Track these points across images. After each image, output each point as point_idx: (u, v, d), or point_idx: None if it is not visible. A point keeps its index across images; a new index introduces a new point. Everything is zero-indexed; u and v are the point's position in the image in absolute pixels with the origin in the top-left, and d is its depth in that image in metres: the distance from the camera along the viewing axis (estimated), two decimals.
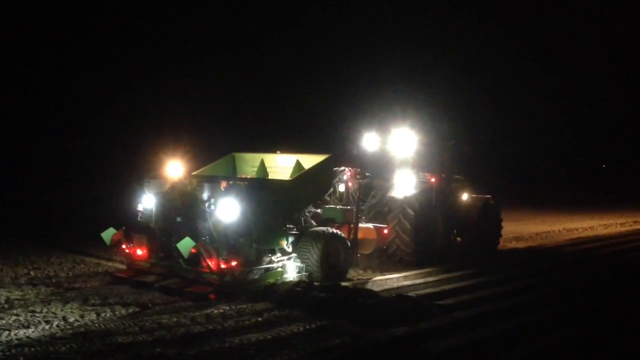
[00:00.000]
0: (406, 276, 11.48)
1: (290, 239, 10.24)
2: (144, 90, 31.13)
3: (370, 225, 12.23)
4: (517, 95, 43.92)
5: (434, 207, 12.84)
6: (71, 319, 8.04)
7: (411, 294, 9.71)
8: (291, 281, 10.01)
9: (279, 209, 10.03)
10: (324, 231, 10.49)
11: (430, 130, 13.92)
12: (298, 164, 11.25)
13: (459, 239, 14.07)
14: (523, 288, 10.54)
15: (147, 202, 10.74)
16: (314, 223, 11.19)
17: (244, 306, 8.88)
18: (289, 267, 10.07)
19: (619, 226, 21.09)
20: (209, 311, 8.54)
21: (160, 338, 7.30)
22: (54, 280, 10.50)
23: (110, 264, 12.18)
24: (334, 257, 10.50)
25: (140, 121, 28.62)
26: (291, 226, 10.42)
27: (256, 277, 9.61)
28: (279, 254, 10.00)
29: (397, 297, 9.16)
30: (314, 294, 9.15)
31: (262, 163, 11.86)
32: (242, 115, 33.51)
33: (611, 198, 32.43)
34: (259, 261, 9.63)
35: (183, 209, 10.16)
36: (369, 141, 13.81)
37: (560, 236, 18.25)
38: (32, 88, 30.82)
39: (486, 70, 42.42)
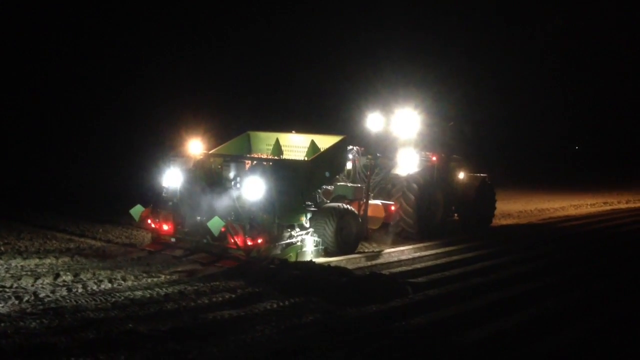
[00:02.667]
0: (414, 248, 12.13)
1: (309, 215, 10.78)
2: (163, 71, 31.68)
3: (378, 202, 12.65)
4: (517, 78, 44.34)
5: (434, 185, 13.52)
6: (42, 295, 7.96)
7: (384, 272, 9.81)
8: (265, 259, 10.06)
9: (300, 188, 10.58)
10: (338, 207, 11.10)
11: (433, 110, 14.44)
12: (313, 144, 11.76)
13: (456, 215, 14.74)
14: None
15: (172, 179, 11.04)
16: (325, 200, 11.69)
17: (218, 283, 8.88)
18: (308, 241, 10.58)
19: (589, 207, 21.46)
20: (182, 288, 8.52)
21: (132, 314, 7.27)
22: (24, 256, 10.37)
23: (82, 239, 12.07)
24: (346, 231, 11.09)
25: (160, 100, 29.04)
26: (309, 203, 10.96)
27: (278, 251, 10.05)
28: (297, 229, 10.49)
29: (370, 275, 9.23)
30: (288, 271, 9.19)
31: (277, 142, 12.38)
32: (254, 95, 33.80)
33: (584, 179, 32.90)
34: (280, 237, 10.11)
35: (208, 187, 10.51)
36: (374, 121, 14.24)
37: (532, 216, 18.51)
38: (54, 69, 30.80)
39: (489, 53, 42.87)
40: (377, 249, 11.93)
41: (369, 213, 11.99)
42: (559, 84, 47.58)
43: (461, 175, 14.68)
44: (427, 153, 13.95)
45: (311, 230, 10.74)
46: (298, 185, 10.51)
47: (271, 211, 9.85)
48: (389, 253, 11.75)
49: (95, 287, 8.48)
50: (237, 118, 24.50)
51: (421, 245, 12.58)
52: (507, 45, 44.03)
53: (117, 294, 8.11)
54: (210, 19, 36.58)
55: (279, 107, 31.09)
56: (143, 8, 33.63)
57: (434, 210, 13.56)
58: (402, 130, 13.82)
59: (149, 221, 11.02)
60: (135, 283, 8.83)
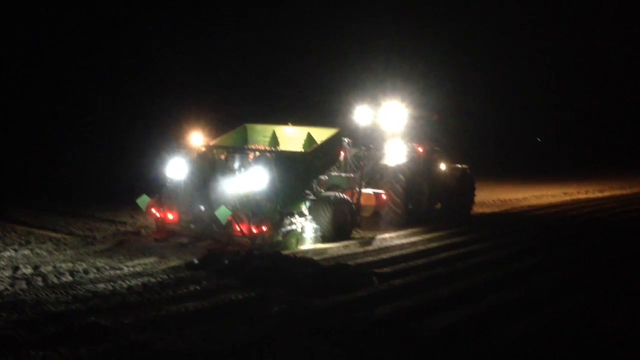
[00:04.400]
0: (401, 235, 12.63)
1: (307, 204, 11.29)
2: (164, 63, 31.56)
3: (370, 190, 13.17)
4: (502, 73, 45.12)
5: (420, 175, 14.15)
6: (0, 288, 7.78)
7: (350, 262, 9.86)
8: (232, 250, 10.06)
9: (300, 177, 11.17)
10: (335, 196, 11.71)
11: (419, 103, 15.11)
12: (309, 136, 12.44)
13: (438, 204, 15.34)
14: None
15: (176, 170, 11.40)
16: (320, 189, 12.11)
17: (183, 275, 8.81)
18: (307, 227, 11.05)
19: (550, 197, 21.90)
20: (146, 280, 8.42)
21: (94, 307, 7.16)
22: None
23: (43, 231, 11.82)
24: (342, 218, 11.63)
25: (161, 94, 29.39)
26: (308, 192, 11.50)
27: (280, 238, 10.49)
28: (297, 217, 10.92)
29: (336, 265, 9.27)
30: (254, 262, 9.17)
31: (274, 134, 13.00)
32: (247, 89, 34.04)
33: (545, 170, 33.51)
34: (282, 224, 10.54)
35: (213, 177, 10.92)
36: (362, 114, 14.74)
37: (495, 206, 18.81)
38: (56, 63, 30.35)
39: (475, 47, 43.52)
40: (369, 235, 12.32)
41: (362, 201, 12.55)
42: (538, 78, 48.56)
43: (443, 166, 15.27)
44: (414, 144, 14.55)
45: (310, 217, 11.19)
46: (298, 175, 11.09)
47: (274, 200, 10.33)
48: (381, 239, 12.13)
49: (55, 280, 8.32)
50: (233, 111, 24.73)
51: (408, 232, 13.05)
52: (492, 41, 44.84)
53: (79, 287, 7.97)
54: (206, 14, 36.67)
55: (271, 100, 31.35)
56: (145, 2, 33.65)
57: (419, 199, 14.15)
58: (389, 123, 14.35)
59: (154, 210, 11.32)
60: (98, 275, 8.69)
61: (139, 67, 31.93)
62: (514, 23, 47.95)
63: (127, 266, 9.31)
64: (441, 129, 15.69)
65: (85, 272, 8.85)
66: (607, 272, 10.08)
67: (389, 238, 12.30)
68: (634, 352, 6.48)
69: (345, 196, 12.01)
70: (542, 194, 22.68)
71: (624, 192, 24.67)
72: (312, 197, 11.49)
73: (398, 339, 6.52)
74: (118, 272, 8.93)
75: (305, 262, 9.41)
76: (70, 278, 8.48)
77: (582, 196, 22.61)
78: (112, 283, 8.21)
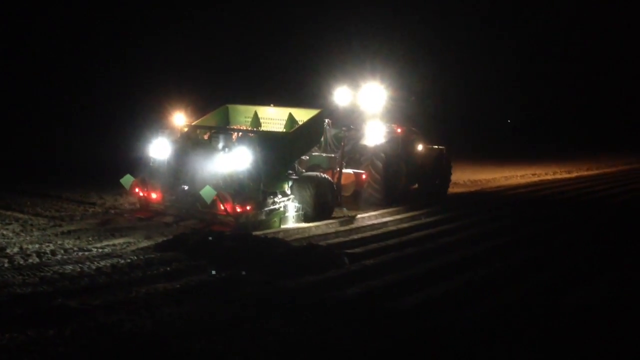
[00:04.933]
0: (381, 214, 12.84)
1: (290, 183, 11.38)
2: (142, 44, 32.08)
3: (350, 170, 13.36)
4: (482, 54, 45.42)
5: (399, 156, 14.33)
6: None
7: (321, 243, 9.88)
8: (202, 231, 10.00)
9: (283, 157, 11.27)
10: (316, 176, 11.85)
11: (398, 85, 15.20)
12: (291, 117, 12.45)
13: (415, 184, 15.61)
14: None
15: (159, 150, 11.42)
16: (301, 169, 12.33)
17: (153, 256, 8.73)
18: (289, 207, 11.17)
19: (519, 178, 22.18)
20: (115, 261, 8.33)
21: (62, 289, 7.06)
22: None
23: (7, 212, 11.59)
24: (323, 198, 11.72)
25: (141, 74, 29.32)
26: (290, 172, 11.61)
27: (263, 217, 10.58)
28: (280, 196, 11.01)
29: (307, 246, 9.27)
30: (225, 243, 9.11)
31: (256, 115, 13.01)
32: (226, 70, 33.90)
33: (514, 151, 33.89)
34: (265, 203, 10.64)
35: (197, 157, 10.91)
36: (341, 95, 14.86)
37: (466, 187, 18.99)
38: (40, 46, 30.68)
39: (455, 29, 43.73)
40: (350, 214, 12.36)
41: (342, 181, 12.75)
42: (512, 62, 49.15)
43: (420, 147, 15.46)
44: (393, 125, 14.71)
45: (292, 197, 11.31)
46: (281, 155, 11.19)
47: (257, 179, 10.42)
48: (361, 218, 12.29)
49: (22, 262, 8.18)
50: (214, 92, 24.72)
51: (387, 211, 13.20)
52: (467, 25, 45.06)
53: (46, 269, 7.85)
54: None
55: (251, 81, 31.25)
56: None
57: (397, 179, 14.32)
58: (368, 104, 14.48)
59: (137, 190, 11.34)
60: (65, 257, 8.57)
61: (122, 49, 31.79)
62: (489, 8, 48.30)
63: (96, 247, 9.19)
64: (419, 111, 15.85)
65: (53, 253, 8.72)
66: (572, 250, 10.28)
67: (368, 217, 12.46)
68: (596, 328, 6.63)
69: (327, 176, 12.13)
70: (511, 174, 22.93)
71: (590, 172, 25.11)
72: (294, 176, 11.59)
73: (369, 317, 6.57)
74: (86, 253, 8.81)
75: (277, 243, 9.38)
76: (37, 259, 8.34)
77: (550, 177, 22.95)
78: (80, 264, 8.10)
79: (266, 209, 10.68)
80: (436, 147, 16.14)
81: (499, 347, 6.06)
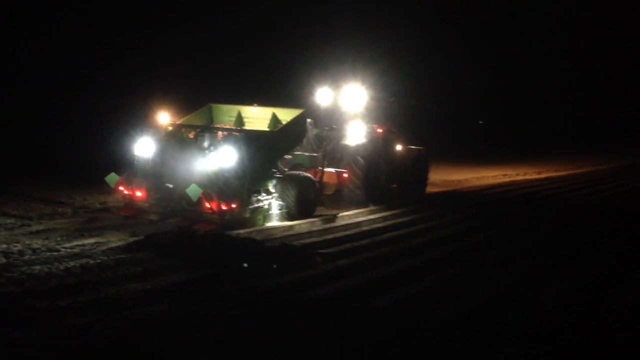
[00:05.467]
0: (361, 212, 12.96)
1: (274, 182, 11.53)
2: (126, 44, 31.70)
3: (332, 169, 13.48)
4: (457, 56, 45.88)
5: (379, 155, 14.42)
6: None
7: (295, 243, 9.86)
8: (174, 230, 9.92)
9: (268, 156, 11.47)
10: (299, 175, 12.02)
11: (379, 85, 15.28)
12: (274, 116, 12.61)
13: (394, 184, 15.64)
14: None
15: (144, 148, 11.39)
16: (284, 168, 12.48)
17: (123, 256, 8.62)
18: (273, 205, 11.33)
19: (490, 179, 22.44)
20: (84, 262, 8.19)
21: (30, 290, 6.94)
22: None
23: None
24: (306, 196, 11.88)
25: (124, 74, 28.99)
26: (274, 170, 11.81)
27: (247, 215, 10.70)
28: (264, 194, 11.14)
29: (280, 246, 9.25)
30: (198, 243, 9.05)
31: (239, 114, 13.15)
32: (209, 70, 33.98)
33: (486, 152, 34.28)
34: (249, 201, 10.76)
35: (182, 155, 10.94)
36: (323, 95, 14.96)
37: (441, 186, 19.15)
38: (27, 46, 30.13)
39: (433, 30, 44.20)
40: (333, 212, 12.54)
41: (324, 180, 12.98)
42: (489, 64, 49.76)
43: (399, 147, 15.62)
44: (374, 125, 14.84)
45: (276, 195, 11.46)
46: (266, 154, 11.36)
47: (242, 177, 10.51)
48: (343, 216, 12.38)
49: None
50: (196, 91, 24.66)
51: (370, 209, 13.40)
52: (447, 25, 45.60)
53: (14, 269, 7.70)
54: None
55: (233, 81, 31.28)
56: None
57: (378, 178, 14.47)
58: (349, 104, 14.61)
59: (122, 188, 11.36)
60: (34, 257, 8.41)
61: (106, 48, 31.62)
62: (464, 10, 48.94)
63: (65, 248, 9.04)
64: (399, 111, 15.96)
65: (21, 253, 8.55)
66: (542, 249, 10.43)
67: (348, 216, 12.58)
68: (568, 324, 6.74)
69: (309, 175, 12.29)
70: (482, 175, 23.20)
71: (559, 174, 25.51)
72: (278, 175, 11.75)
73: (343, 316, 6.58)
74: (55, 254, 8.66)
75: (250, 242, 9.35)
76: (4, 260, 8.17)
77: (520, 178, 23.26)
78: (48, 265, 7.96)
79: (251, 207, 10.79)
80: (415, 147, 16.30)
81: (472, 345, 6.11)
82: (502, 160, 29.64)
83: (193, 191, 10.07)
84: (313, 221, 11.73)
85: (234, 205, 10.33)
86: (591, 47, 57.52)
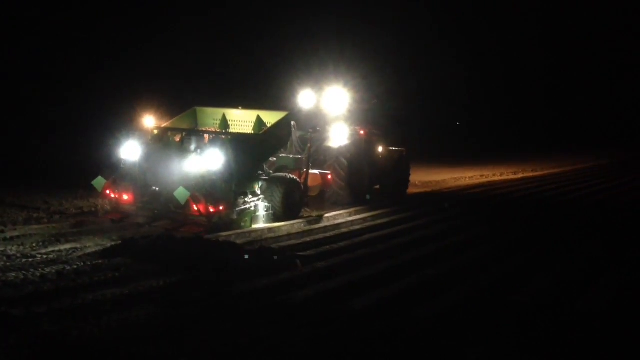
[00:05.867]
0: (348, 213, 13.27)
1: (260, 184, 11.61)
2: (112, 48, 32.31)
3: (316, 171, 13.68)
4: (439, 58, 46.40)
5: (362, 157, 14.69)
6: None
7: (274, 246, 9.84)
8: (152, 235, 9.84)
9: (254, 158, 11.52)
10: (284, 177, 12.16)
11: (361, 88, 15.53)
12: (259, 119, 12.75)
13: (376, 185, 15.92)
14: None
15: (130, 151, 11.45)
16: (269, 171, 12.49)
17: (100, 262, 8.53)
18: (260, 207, 11.43)
19: (467, 179, 22.64)
20: (60, 268, 8.08)
21: (5, 297, 6.82)
22: None
23: None
24: (291, 198, 12.02)
25: (109, 77, 29.24)
26: (261, 172, 11.82)
27: (234, 217, 10.74)
28: (250, 196, 11.19)
29: (259, 249, 9.23)
30: (175, 247, 8.98)
31: (224, 117, 13.27)
32: (190, 73, 34.30)
33: (467, 153, 34.54)
34: (236, 203, 10.81)
35: (168, 158, 11.00)
36: (305, 98, 15.09)
37: (420, 187, 19.27)
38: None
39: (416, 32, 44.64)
40: (317, 214, 12.65)
41: (308, 182, 13.08)
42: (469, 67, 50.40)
43: (380, 148, 15.84)
44: (356, 127, 15.03)
45: (262, 197, 11.55)
46: (253, 156, 11.43)
47: (229, 180, 10.57)
48: (328, 217, 12.61)
49: None
50: (179, 94, 24.81)
51: (352, 210, 13.59)
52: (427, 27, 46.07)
53: None
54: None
55: (215, 83, 31.44)
56: None
57: (362, 179, 14.69)
58: (332, 107, 14.79)
59: (108, 192, 11.41)
60: (8, 264, 8.28)
61: (88, 50, 31.54)
62: (448, 14, 49.53)
63: (41, 254, 8.92)
64: (381, 113, 16.20)
65: None
66: (520, 248, 10.54)
67: (334, 217, 12.83)
68: (545, 323, 6.81)
69: (294, 177, 12.42)
70: (460, 175, 23.39)
71: (535, 174, 25.82)
72: (264, 177, 11.84)
73: (322, 318, 6.58)
74: (30, 260, 8.54)
75: (228, 246, 9.30)
76: None
77: (497, 178, 23.49)
78: (24, 272, 7.84)
79: (237, 209, 10.85)
80: (396, 148, 16.56)
81: (451, 346, 6.15)
82: (479, 161, 29.94)
83: (181, 194, 10.13)
84: (306, 220, 11.98)
85: (221, 208, 10.40)
86: (568, 48, 58.45)
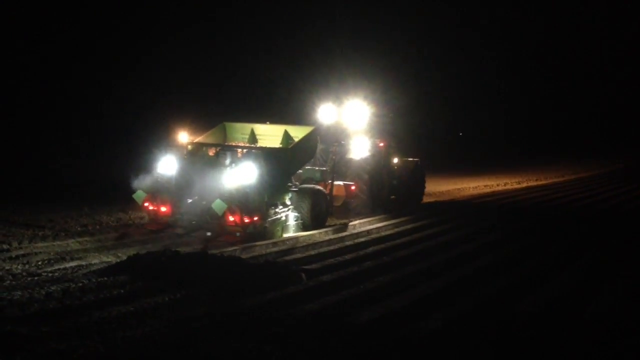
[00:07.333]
0: (369, 221, 14.00)
1: (290, 195, 12.19)
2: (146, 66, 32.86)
3: (340, 182, 14.45)
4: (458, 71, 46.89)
5: (382, 168, 15.33)
6: None
7: (279, 260, 9.85)
8: (156, 251, 9.83)
9: (284, 171, 12.15)
10: (312, 187, 12.93)
11: (381, 101, 16.23)
12: (286, 134, 13.34)
13: (393, 195, 16.47)
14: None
15: (166, 166, 12.11)
16: (297, 182, 13.16)
17: (105, 279, 8.52)
18: (290, 216, 12.03)
19: (472, 190, 22.64)
20: (66, 286, 8.09)
21: (11, 315, 6.84)
22: None
23: None
24: (318, 208, 12.73)
25: (141, 93, 30.04)
26: (290, 184, 12.47)
27: (267, 226, 11.34)
28: (281, 207, 11.80)
29: (264, 263, 9.23)
30: (180, 263, 8.98)
31: (252, 132, 13.89)
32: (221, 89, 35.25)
33: (467, 163, 34.56)
34: (268, 214, 11.43)
35: (204, 172, 11.58)
36: (326, 112, 15.68)
37: (426, 197, 19.26)
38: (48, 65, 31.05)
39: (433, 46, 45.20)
40: (342, 222, 13.36)
41: (333, 192, 13.87)
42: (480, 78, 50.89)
43: (396, 159, 16.45)
44: (376, 140, 15.62)
45: (292, 207, 12.13)
46: (283, 169, 12.03)
47: (262, 192, 11.15)
48: (353, 225, 13.35)
49: None
50: (204, 109, 25.30)
51: (375, 218, 14.34)
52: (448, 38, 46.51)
53: None
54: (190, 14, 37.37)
55: (238, 98, 31.93)
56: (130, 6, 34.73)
57: (382, 189, 15.31)
58: (352, 120, 15.30)
59: (147, 204, 12.02)
60: (14, 283, 8.29)
61: (120, 67, 32.09)
62: (460, 26, 50.03)
63: (46, 272, 8.92)
64: (397, 125, 16.86)
65: (1, 279, 8.43)
66: (523, 259, 10.53)
67: (359, 224, 13.59)
68: (542, 333, 6.80)
69: (321, 188, 13.13)
70: (464, 186, 23.39)
71: (539, 183, 25.81)
72: (294, 188, 12.43)
73: (327, 332, 6.57)
74: (36, 278, 8.54)
75: (233, 261, 9.31)
76: None
77: (502, 188, 23.49)
78: (29, 290, 7.84)
79: (269, 219, 11.41)
80: (411, 159, 17.17)
81: (457, 357, 6.13)
82: (482, 171, 29.93)
83: (218, 206, 10.76)
84: (332, 229, 12.66)
85: (255, 218, 11.00)
86: (572, 58, 58.63)
